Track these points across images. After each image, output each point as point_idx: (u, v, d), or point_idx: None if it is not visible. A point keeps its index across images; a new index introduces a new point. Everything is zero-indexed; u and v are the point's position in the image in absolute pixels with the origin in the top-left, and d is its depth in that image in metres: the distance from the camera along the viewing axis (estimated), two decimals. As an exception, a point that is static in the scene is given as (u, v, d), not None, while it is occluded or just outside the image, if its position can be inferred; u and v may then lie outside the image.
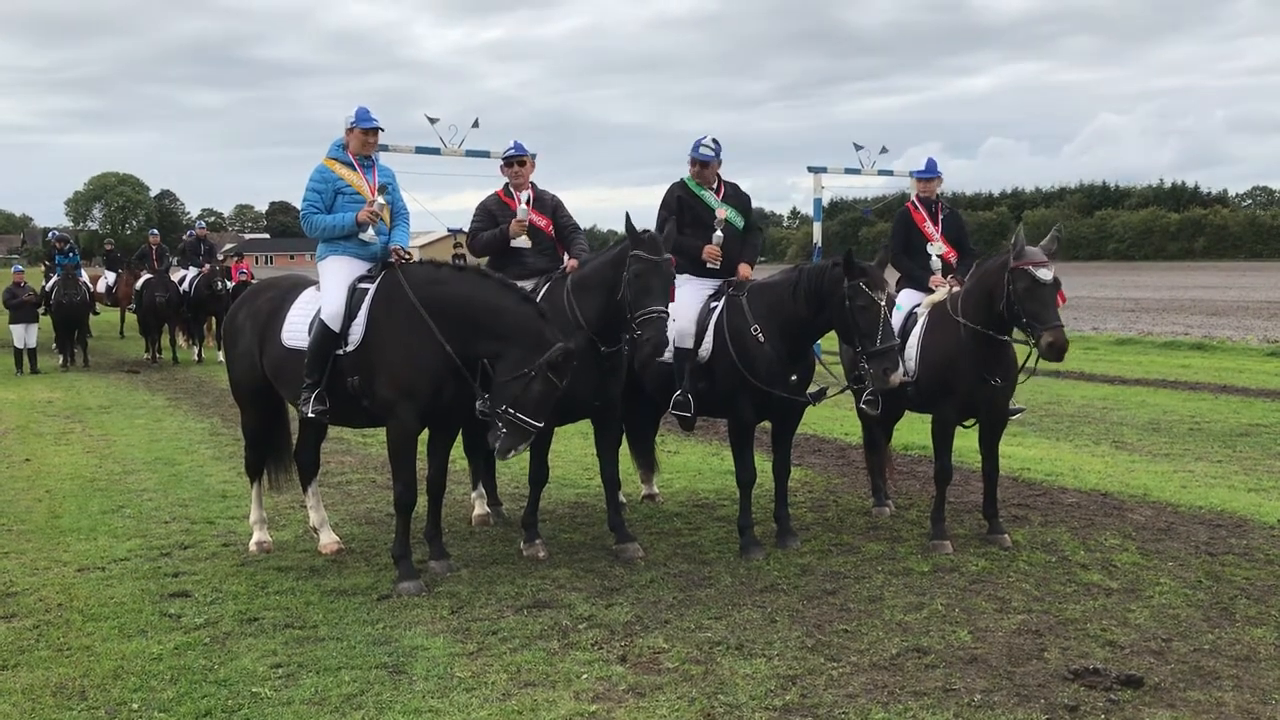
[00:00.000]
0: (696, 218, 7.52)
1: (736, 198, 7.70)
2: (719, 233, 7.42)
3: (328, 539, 7.11)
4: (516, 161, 7.71)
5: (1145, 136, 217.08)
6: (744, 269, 7.51)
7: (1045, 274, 6.63)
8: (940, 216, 8.07)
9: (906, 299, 7.77)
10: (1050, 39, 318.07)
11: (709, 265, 7.44)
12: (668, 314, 6.45)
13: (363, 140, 6.91)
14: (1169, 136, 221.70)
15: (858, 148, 20.93)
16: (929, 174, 8.24)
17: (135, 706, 4.67)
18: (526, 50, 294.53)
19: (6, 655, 5.29)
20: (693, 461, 10.21)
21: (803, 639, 5.42)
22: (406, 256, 6.70)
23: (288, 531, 7.61)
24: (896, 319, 7.70)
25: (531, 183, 7.79)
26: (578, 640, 5.41)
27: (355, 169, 6.87)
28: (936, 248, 7.92)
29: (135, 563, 6.89)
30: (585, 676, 4.95)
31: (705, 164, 7.55)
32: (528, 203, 7.63)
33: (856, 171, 21.07)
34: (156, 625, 5.71)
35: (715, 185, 7.64)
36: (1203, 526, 7.56)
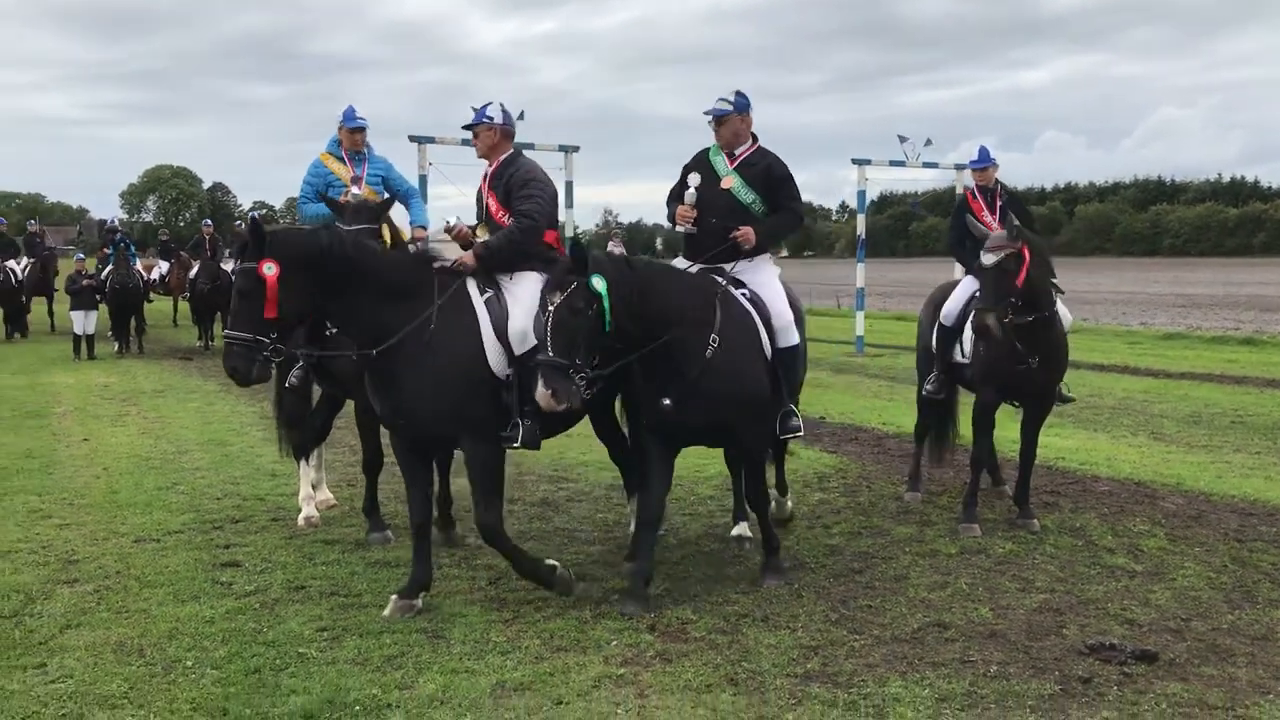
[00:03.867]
0: (706, 186, 6.49)
1: (755, 167, 6.48)
2: (691, 190, 6.43)
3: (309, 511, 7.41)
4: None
5: (1207, 130, 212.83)
6: (744, 231, 6.31)
7: (986, 258, 6.85)
8: (997, 205, 8.13)
9: (965, 287, 7.87)
10: (1111, 30, 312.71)
11: (679, 229, 6.60)
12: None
13: (349, 137, 7.58)
14: (1232, 130, 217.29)
15: (902, 140, 20.96)
16: (982, 163, 8.31)
17: (189, 664, 4.94)
18: (578, 43, 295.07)
19: (70, 616, 5.59)
20: (729, 448, 10.37)
21: (827, 613, 5.59)
22: (422, 236, 6.99)
23: (335, 509, 7.88)
24: (957, 302, 7.87)
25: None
26: (608, 611, 5.62)
27: (345, 163, 7.57)
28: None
29: (189, 535, 7.19)
30: (615, 643, 5.15)
31: (720, 120, 6.49)
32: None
33: (901, 164, 21.07)
34: (209, 592, 5.99)
35: (740, 150, 6.54)
36: (1234, 515, 7.61)
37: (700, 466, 9.29)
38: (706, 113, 6.52)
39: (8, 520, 7.58)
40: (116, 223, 29.05)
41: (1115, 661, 4.88)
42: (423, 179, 16.38)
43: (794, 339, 6.25)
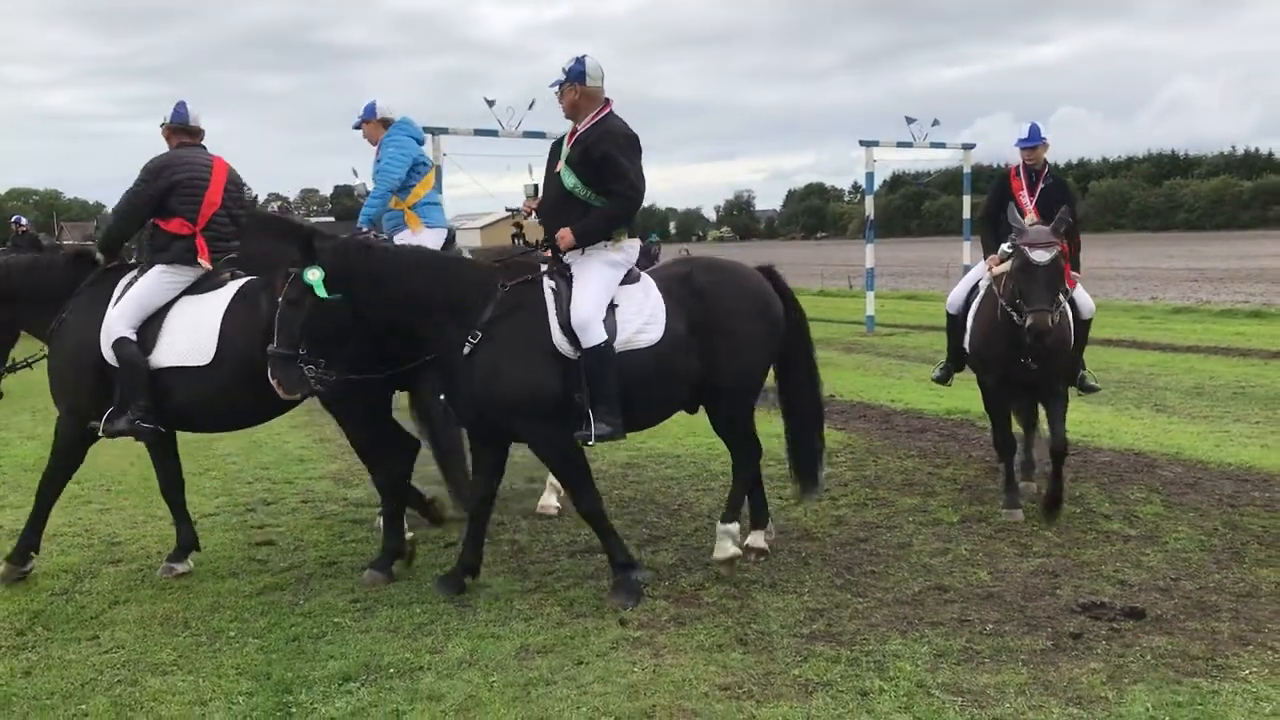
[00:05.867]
0: (548, 172, 6.01)
1: (583, 145, 5.74)
2: (528, 181, 6.25)
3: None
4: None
5: (1226, 101, 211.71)
6: (564, 234, 5.71)
7: (1039, 255, 6.50)
8: (1039, 187, 7.74)
9: (974, 274, 7.79)
10: (1130, 2, 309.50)
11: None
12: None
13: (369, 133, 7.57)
14: (1252, 100, 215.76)
15: (909, 121, 21.18)
16: (1032, 141, 7.76)
17: (232, 634, 5.27)
18: (591, 27, 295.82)
19: (118, 593, 5.94)
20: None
21: (832, 579, 5.88)
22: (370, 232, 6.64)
23: (360, 489, 8.21)
24: (961, 290, 7.75)
25: None
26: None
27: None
28: (1030, 220, 7.30)
29: (224, 517, 7.54)
30: (631, 609, 5.46)
31: (558, 92, 5.90)
32: None
33: (909, 145, 21.30)
34: (246, 569, 6.33)
35: (583, 125, 5.82)
36: (1229, 481, 7.86)
37: (712, 444, 9.57)
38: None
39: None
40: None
41: (1105, 619, 5.16)
42: (438, 170, 16.70)
43: (592, 337, 5.47)
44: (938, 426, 10.35)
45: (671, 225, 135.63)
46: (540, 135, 17.94)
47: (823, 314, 25.19)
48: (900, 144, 21.20)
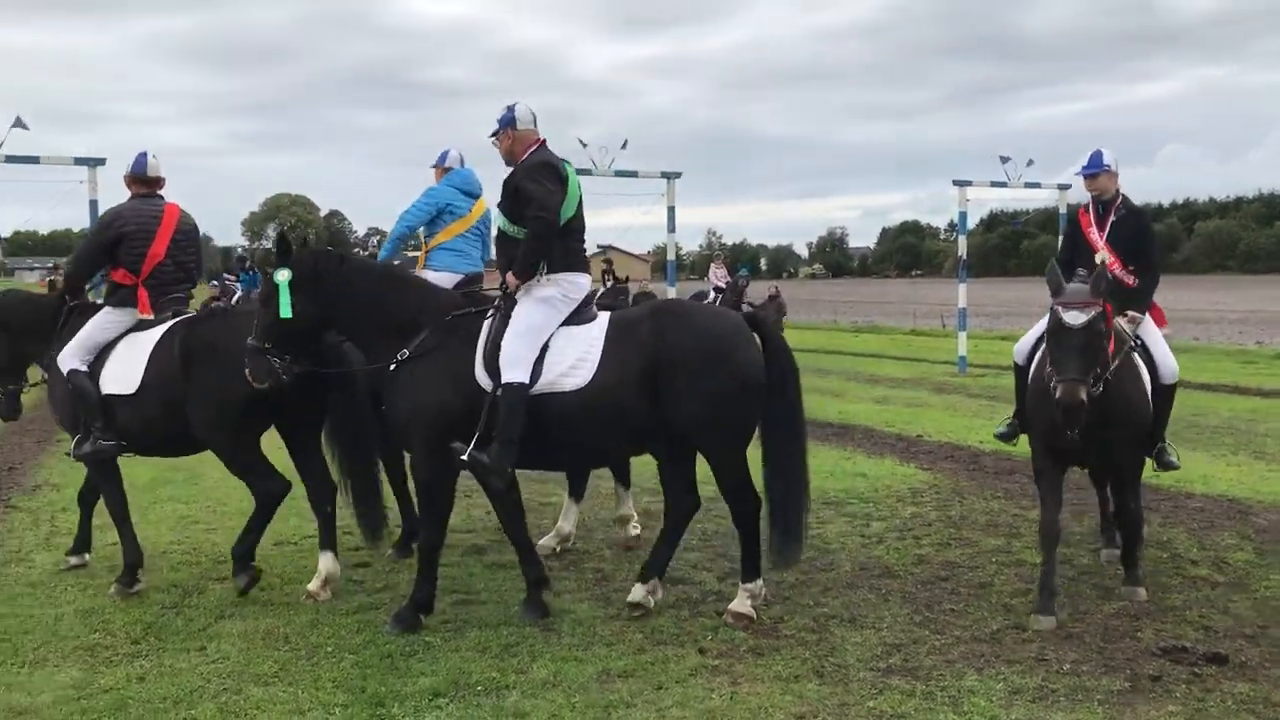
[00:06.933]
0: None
1: (506, 187, 5.98)
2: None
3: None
4: None
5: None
6: (509, 276, 5.89)
7: (1073, 317, 5.60)
8: (1109, 221, 6.78)
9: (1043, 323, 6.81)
10: (1242, 40, 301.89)
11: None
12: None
13: None
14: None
15: (1004, 160, 21.01)
16: (1092, 169, 6.80)
17: (329, 649, 5.54)
18: (687, 65, 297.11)
19: (223, 608, 6.27)
20: (825, 464, 10.71)
21: (911, 615, 5.94)
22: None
23: (452, 518, 8.46)
24: (1029, 339, 6.78)
25: None
26: (706, 610, 6.07)
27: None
28: (1100, 257, 6.51)
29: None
30: (711, 638, 5.60)
31: (495, 141, 6.15)
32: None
33: (1003, 185, 21.14)
34: (343, 589, 6.61)
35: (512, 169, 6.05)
36: (1326, 530, 7.69)
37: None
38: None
39: (161, 525, 8.36)
40: (243, 251, 30.66)
41: (1186, 663, 5.14)
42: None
43: (508, 375, 5.60)
44: (1027, 469, 10.17)
45: (763, 261, 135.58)
46: (632, 174, 18.32)
47: (914, 353, 25.06)
48: (994, 183, 21.05)
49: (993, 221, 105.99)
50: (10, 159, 14.31)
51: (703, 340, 5.73)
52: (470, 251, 7.95)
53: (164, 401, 6.41)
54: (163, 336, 6.57)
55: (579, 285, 5.97)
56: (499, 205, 6.09)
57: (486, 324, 5.86)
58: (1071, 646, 5.42)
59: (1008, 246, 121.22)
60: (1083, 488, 8.62)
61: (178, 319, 6.72)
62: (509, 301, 5.89)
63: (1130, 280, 6.60)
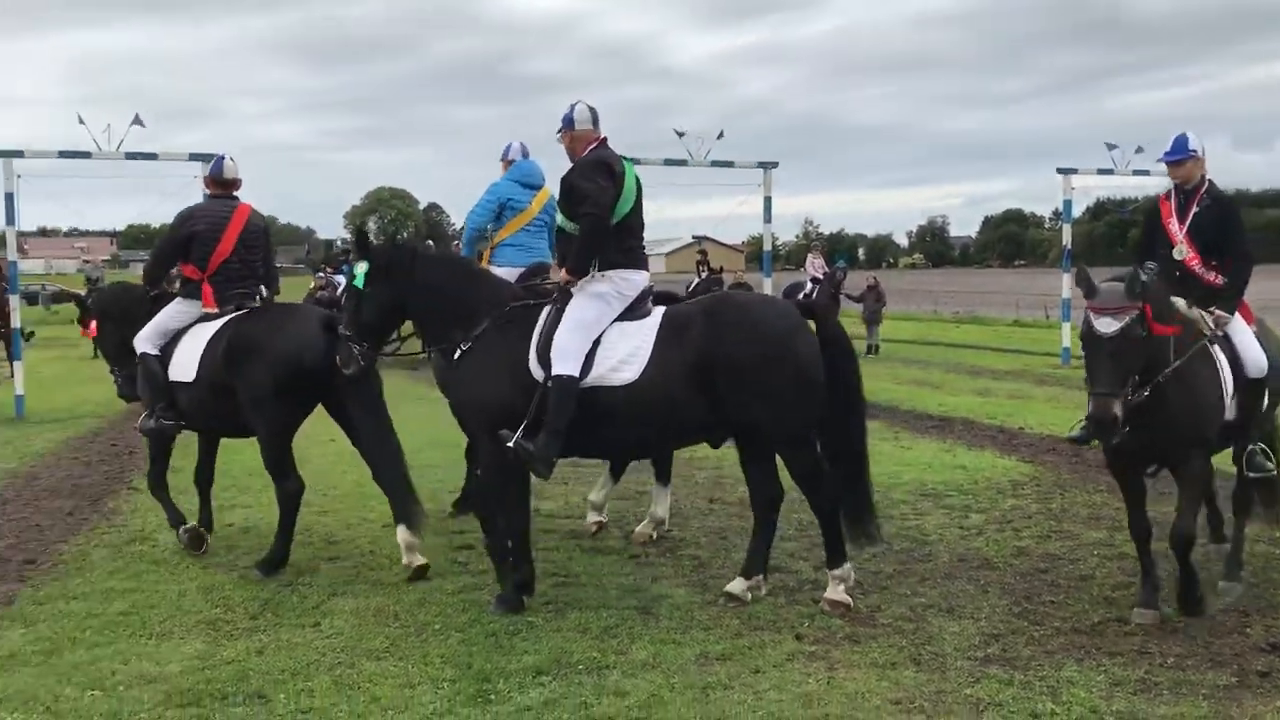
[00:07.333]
0: None
1: (562, 184, 6.22)
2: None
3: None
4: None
5: None
6: (564, 271, 6.13)
7: (1105, 325, 5.28)
8: (1191, 210, 6.23)
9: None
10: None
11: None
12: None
13: None
14: None
15: (1110, 147, 20.54)
16: (1176, 155, 6.27)
17: (437, 627, 5.74)
18: (783, 54, 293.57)
19: (335, 586, 6.53)
20: (924, 456, 10.65)
21: (1010, 607, 5.92)
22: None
23: (550, 501, 8.67)
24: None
25: None
26: (802, 598, 6.13)
27: None
28: (1179, 251, 6.19)
29: (429, 522, 8.09)
30: (807, 625, 5.66)
31: (559, 138, 6.39)
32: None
33: (1110, 172, 20.65)
34: (449, 569, 6.83)
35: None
36: None
37: (895, 473, 9.65)
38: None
39: (274, 507, 8.65)
40: (343, 244, 31.41)
41: (1296, 659, 5.04)
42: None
43: (559, 368, 5.77)
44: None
45: (860, 251, 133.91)
46: (729, 164, 18.34)
47: (1017, 345, 24.63)
48: (1101, 171, 20.58)
49: (1099, 210, 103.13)
50: (130, 155, 14.95)
51: (757, 337, 5.79)
52: (532, 244, 8.15)
53: (213, 389, 6.94)
54: (218, 330, 7.07)
55: (633, 282, 6.08)
56: (557, 202, 6.31)
57: (543, 316, 6.04)
58: (1176, 640, 5.35)
59: (1114, 235, 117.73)
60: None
61: (233, 314, 7.20)
62: (565, 295, 6.05)
63: (1211, 277, 6.13)
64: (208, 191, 7.55)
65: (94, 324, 8.14)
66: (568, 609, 5.98)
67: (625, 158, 6.32)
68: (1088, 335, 5.37)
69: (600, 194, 5.96)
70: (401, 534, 6.75)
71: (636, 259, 6.18)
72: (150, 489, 7.70)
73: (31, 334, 17.37)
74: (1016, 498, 8.72)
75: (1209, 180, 6.33)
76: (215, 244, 7.24)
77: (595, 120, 6.30)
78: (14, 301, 15.52)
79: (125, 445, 11.90)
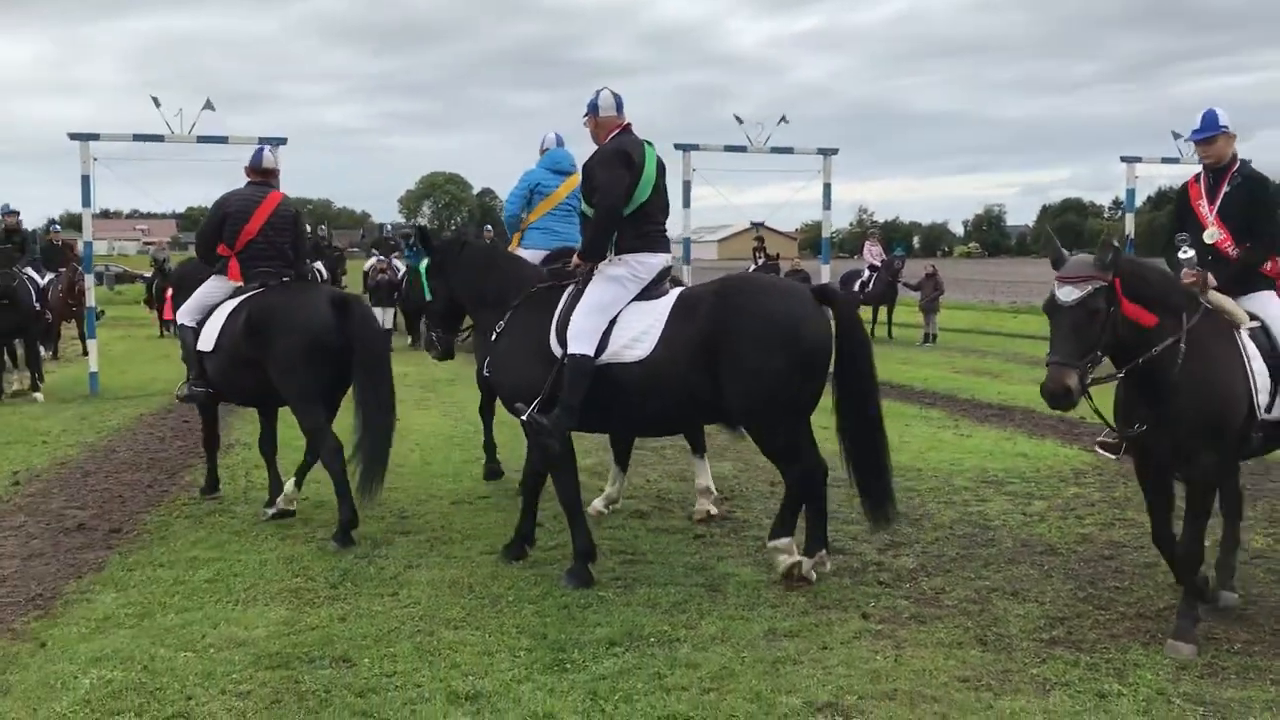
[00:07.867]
0: None
1: (585, 166, 6.59)
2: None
3: None
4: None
5: None
6: (575, 257, 6.51)
7: (1065, 294, 4.93)
8: (1221, 190, 5.82)
9: None
10: None
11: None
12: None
13: None
14: None
15: (1176, 136, 20.24)
16: (1205, 132, 5.81)
17: (510, 599, 5.91)
18: (841, 39, 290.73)
19: (411, 558, 6.73)
20: (985, 444, 10.67)
21: (1075, 591, 5.98)
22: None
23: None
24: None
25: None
26: (868, 579, 6.23)
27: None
28: (1211, 234, 5.81)
29: (495, 499, 8.31)
30: (874, 605, 5.76)
31: (585, 123, 6.58)
32: None
33: (1175, 161, 20.35)
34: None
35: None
36: None
37: (957, 460, 9.70)
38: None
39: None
40: (390, 229, 31.77)
41: (1365, 648, 5.05)
42: (686, 184, 17.40)
43: (574, 347, 6.04)
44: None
45: (915, 239, 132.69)
46: (788, 150, 18.32)
47: (1074, 335, 24.34)
48: (1165, 159, 20.30)
49: (1160, 199, 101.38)
50: (202, 139, 15.28)
51: (766, 319, 5.90)
52: (558, 228, 8.38)
53: (233, 359, 7.50)
54: (238, 304, 7.60)
55: (649, 265, 6.31)
56: (580, 188, 6.60)
57: (564, 297, 6.37)
58: (1243, 627, 5.39)
59: (1174, 224, 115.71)
60: (1255, 473, 8.42)
61: (255, 290, 7.69)
62: (585, 277, 6.33)
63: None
64: (247, 179, 8.15)
65: (169, 298, 8.89)
66: (636, 585, 6.13)
67: (647, 141, 6.51)
68: (1048, 304, 5.03)
69: (615, 183, 6.19)
70: (289, 486, 7.78)
71: (653, 243, 6.38)
72: (205, 447, 8.66)
73: (103, 313, 17.81)
74: (1079, 486, 8.74)
75: (1240, 160, 5.91)
76: (244, 224, 7.80)
77: (619, 106, 6.50)
78: (89, 281, 15.93)
79: (198, 421, 12.19)
